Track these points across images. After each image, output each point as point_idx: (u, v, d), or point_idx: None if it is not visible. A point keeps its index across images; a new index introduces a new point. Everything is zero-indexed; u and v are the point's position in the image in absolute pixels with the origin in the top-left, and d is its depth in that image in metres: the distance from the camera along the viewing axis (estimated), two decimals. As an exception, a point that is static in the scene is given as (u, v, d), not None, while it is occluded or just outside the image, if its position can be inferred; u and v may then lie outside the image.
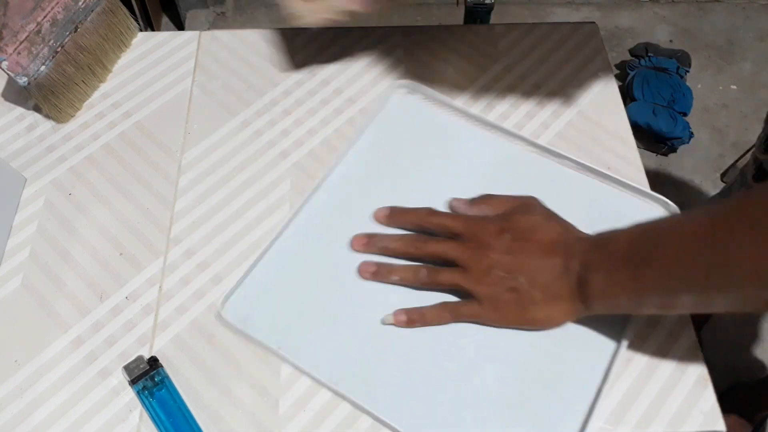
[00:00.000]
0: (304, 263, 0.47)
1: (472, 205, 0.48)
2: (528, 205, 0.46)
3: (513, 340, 0.44)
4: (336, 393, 0.42)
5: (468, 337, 0.44)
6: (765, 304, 0.36)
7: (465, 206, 0.48)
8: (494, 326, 0.44)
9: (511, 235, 0.44)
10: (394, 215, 0.48)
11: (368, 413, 0.41)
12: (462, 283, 0.44)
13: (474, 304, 0.44)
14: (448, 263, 0.45)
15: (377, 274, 0.46)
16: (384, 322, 0.44)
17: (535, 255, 0.43)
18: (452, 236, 0.45)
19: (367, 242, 0.47)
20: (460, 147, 0.53)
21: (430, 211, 0.47)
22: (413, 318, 0.44)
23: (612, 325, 0.44)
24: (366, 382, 0.43)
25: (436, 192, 0.50)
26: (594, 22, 0.61)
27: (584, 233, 0.44)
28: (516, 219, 0.45)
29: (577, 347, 0.44)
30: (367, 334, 0.44)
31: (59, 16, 0.52)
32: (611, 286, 0.40)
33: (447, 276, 0.44)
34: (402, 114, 0.55)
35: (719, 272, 0.35)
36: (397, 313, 0.44)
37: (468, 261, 0.44)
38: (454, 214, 0.48)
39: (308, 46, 0.59)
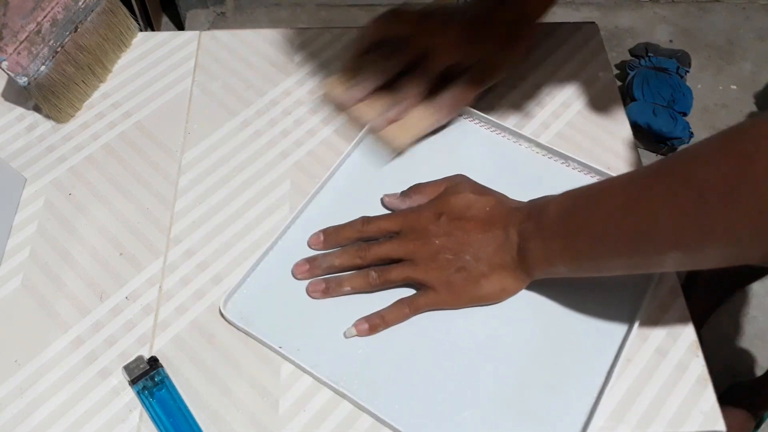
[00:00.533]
0: None
1: (404, 198, 0.48)
2: (457, 185, 0.47)
3: (514, 339, 0.44)
4: (336, 392, 0.42)
5: (469, 336, 0.44)
6: (691, 265, 0.38)
7: (398, 201, 0.49)
8: (453, 308, 0.45)
9: (447, 217, 0.45)
10: (328, 237, 0.47)
11: (368, 412, 0.41)
12: (413, 275, 0.44)
13: (429, 292, 0.44)
14: (396, 261, 0.45)
15: (328, 290, 0.46)
16: (347, 336, 0.44)
17: (475, 231, 0.44)
18: (393, 235, 0.46)
19: (309, 267, 0.46)
20: (466, 147, 0.53)
21: (365, 219, 0.47)
22: (375, 323, 0.44)
23: (616, 324, 0.44)
24: (366, 381, 0.43)
25: None
26: (594, 22, 0.61)
27: (519, 202, 0.46)
28: (448, 200, 0.46)
29: (579, 346, 0.44)
30: (379, 339, 0.44)
31: (59, 16, 0.52)
32: (548, 256, 0.42)
33: (397, 272, 0.45)
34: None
35: (644, 239, 0.37)
36: (357, 323, 0.44)
37: (413, 253, 0.45)
38: (388, 214, 0.48)
39: (308, 46, 0.59)
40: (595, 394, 0.42)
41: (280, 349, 0.43)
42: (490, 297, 0.45)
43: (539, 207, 0.43)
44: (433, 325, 0.45)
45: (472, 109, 0.54)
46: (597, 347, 0.44)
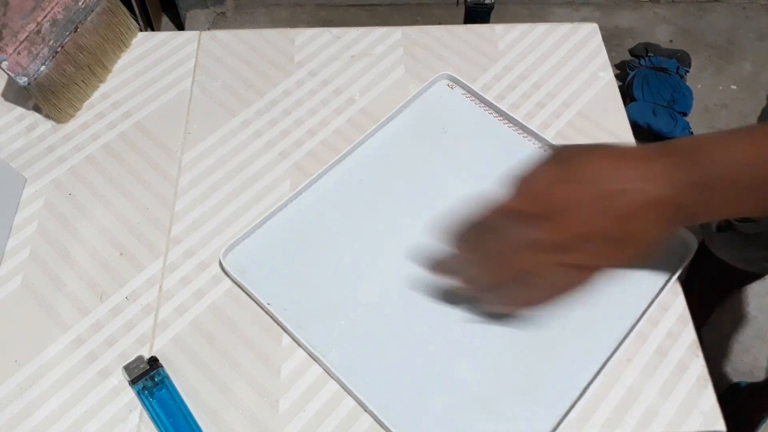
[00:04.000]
0: (313, 230, 0.49)
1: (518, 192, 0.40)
2: (571, 154, 0.40)
3: (501, 333, 0.44)
4: (312, 356, 0.43)
5: (454, 324, 0.45)
6: None
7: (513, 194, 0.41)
8: (615, 267, 0.40)
9: (576, 185, 0.38)
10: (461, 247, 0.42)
11: (338, 380, 0.43)
12: (568, 260, 0.39)
13: (585, 271, 0.39)
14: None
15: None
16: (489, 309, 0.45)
17: (605, 194, 0.37)
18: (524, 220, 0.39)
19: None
20: (488, 142, 0.53)
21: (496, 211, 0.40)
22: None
23: (611, 328, 0.44)
24: (344, 352, 0.44)
25: (454, 179, 0.51)
26: (594, 23, 0.61)
27: (642, 148, 0.39)
28: (573, 166, 0.39)
29: (564, 354, 0.44)
30: (362, 313, 0.45)
31: (59, 16, 0.52)
32: (706, 205, 0.37)
33: (546, 259, 0.39)
34: (438, 103, 0.55)
35: None
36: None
37: (557, 238, 0.38)
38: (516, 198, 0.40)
39: (308, 46, 0.59)
40: (569, 404, 0.42)
41: (268, 306, 0.45)
42: (642, 248, 0.39)
43: (692, 152, 0.37)
44: (420, 308, 0.45)
45: (501, 106, 0.54)
46: (591, 349, 0.44)
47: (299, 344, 0.44)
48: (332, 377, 0.43)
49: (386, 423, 0.40)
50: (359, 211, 0.50)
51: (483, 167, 0.51)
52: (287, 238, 0.48)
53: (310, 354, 0.43)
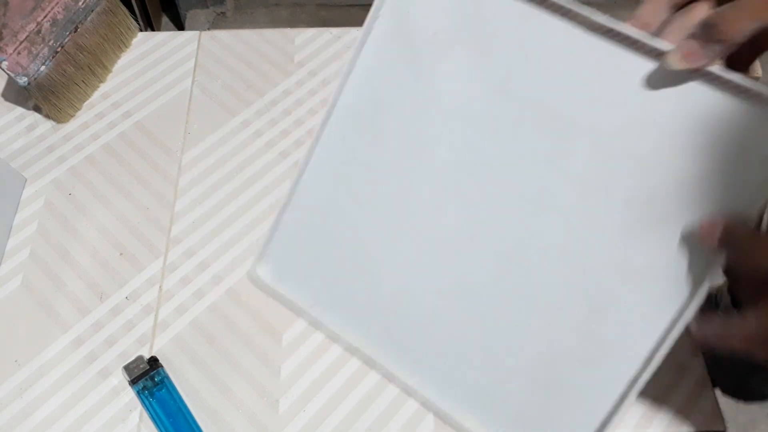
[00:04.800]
0: (330, 213, 0.43)
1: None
2: None
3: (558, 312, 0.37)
4: (358, 354, 0.43)
5: (512, 309, 0.39)
6: None
7: None
8: None
9: None
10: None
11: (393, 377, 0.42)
12: None
13: None
14: None
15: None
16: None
17: None
18: None
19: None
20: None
21: None
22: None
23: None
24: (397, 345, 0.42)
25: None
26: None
27: None
28: None
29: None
30: (404, 289, 0.41)
31: (59, 16, 0.52)
32: None
33: None
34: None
35: None
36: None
37: None
38: None
39: (308, 46, 0.59)
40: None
41: (309, 309, 0.44)
42: None
43: None
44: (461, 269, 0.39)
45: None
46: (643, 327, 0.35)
47: (348, 347, 0.43)
48: (376, 369, 0.43)
49: (457, 416, 0.39)
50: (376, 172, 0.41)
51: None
52: (309, 227, 0.43)
53: (352, 350, 0.43)
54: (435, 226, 0.40)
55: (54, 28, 0.52)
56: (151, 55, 0.59)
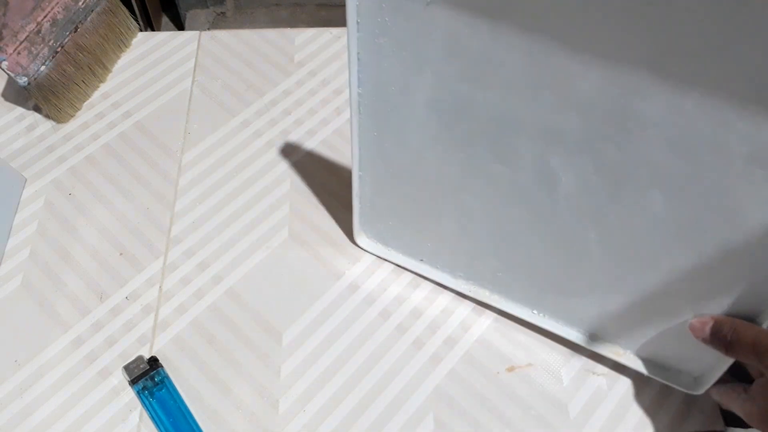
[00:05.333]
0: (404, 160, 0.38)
1: None
2: None
3: None
4: (471, 296, 0.45)
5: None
6: None
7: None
8: None
9: None
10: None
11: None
12: None
13: None
14: None
15: None
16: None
17: None
18: None
19: None
20: None
21: None
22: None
23: None
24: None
25: None
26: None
27: None
28: None
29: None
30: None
31: (59, 16, 0.52)
32: None
33: None
34: None
35: None
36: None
37: None
38: None
39: (308, 46, 0.59)
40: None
41: (420, 262, 0.45)
42: None
43: None
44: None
45: None
46: None
47: (458, 292, 0.45)
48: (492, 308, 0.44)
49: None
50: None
51: None
52: (390, 179, 0.40)
53: (464, 295, 0.45)
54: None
55: (54, 28, 0.52)
56: (151, 55, 0.59)
